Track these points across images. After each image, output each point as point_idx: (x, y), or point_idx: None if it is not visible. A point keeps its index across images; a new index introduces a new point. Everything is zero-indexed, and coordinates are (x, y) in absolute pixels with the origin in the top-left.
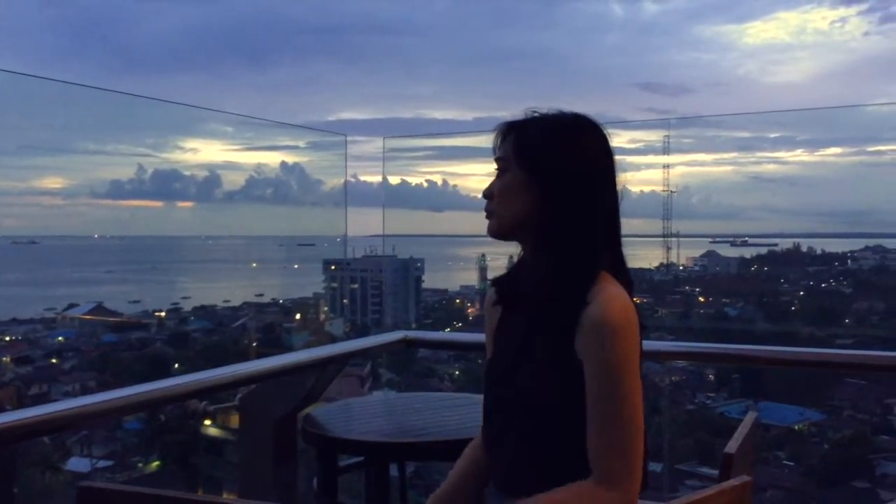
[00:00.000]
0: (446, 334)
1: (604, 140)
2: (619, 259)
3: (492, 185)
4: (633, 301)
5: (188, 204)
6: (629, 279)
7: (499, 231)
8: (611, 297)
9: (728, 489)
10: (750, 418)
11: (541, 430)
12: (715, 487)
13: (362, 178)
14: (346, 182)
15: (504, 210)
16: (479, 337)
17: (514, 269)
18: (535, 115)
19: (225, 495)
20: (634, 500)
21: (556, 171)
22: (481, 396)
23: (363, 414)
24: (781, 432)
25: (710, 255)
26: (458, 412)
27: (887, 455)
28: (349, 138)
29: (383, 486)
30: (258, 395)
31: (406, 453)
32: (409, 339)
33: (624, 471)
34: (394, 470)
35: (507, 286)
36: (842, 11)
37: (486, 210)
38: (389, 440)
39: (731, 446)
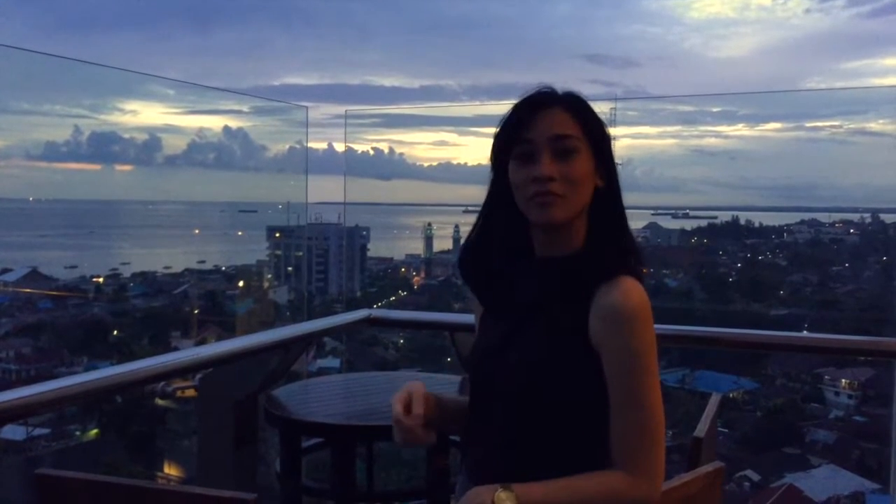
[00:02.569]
0: (410, 313)
1: None
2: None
3: (550, 165)
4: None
5: (127, 167)
6: (640, 268)
7: (569, 219)
8: (629, 285)
9: (702, 475)
10: (715, 400)
11: (541, 421)
12: (690, 474)
13: (306, 144)
14: (306, 150)
15: (577, 196)
16: (443, 317)
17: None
18: (556, 90)
19: (167, 465)
20: (660, 489)
21: (610, 153)
22: (443, 375)
23: (326, 395)
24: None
25: (652, 226)
26: None
27: (817, 422)
28: (295, 103)
29: (349, 466)
30: (218, 375)
31: (373, 436)
32: (374, 318)
33: (653, 462)
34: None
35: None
36: None
37: (553, 193)
38: (355, 423)
39: (700, 430)
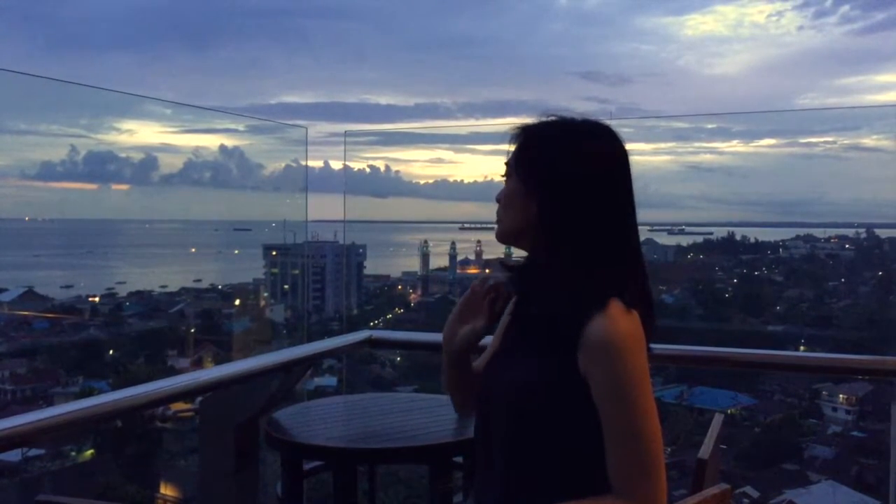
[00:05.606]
0: (411, 334)
1: (611, 147)
2: (638, 275)
3: (501, 191)
4: (638, 320)
5: (123, 187)
6: (649, 297)
7: (500, 237)
8: (615, 315)
9: (709, 497)
10: (718, 420)
11: (534, 444)
12: (695, 497)
13: (304, 163)
14: (306, 169)
15: (505, 217)
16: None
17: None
18: (545, 119)
19: (163, 486)
20: None
21: (553, 182)
22: (444, 397)
23: (327, 417)
24: (714, 416)
25: (647, 242)
26: (424, 414)
27: (815, 438)
28: (293, 123)
29: (351, 489)
30: (219, 398)
31: (374, 458)
32: (374, 339)
33: (651, 488)
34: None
35: (520, 284)
36: (778, 6)
37: (497, 213)
38: (357, 446)
39: (704, 451)
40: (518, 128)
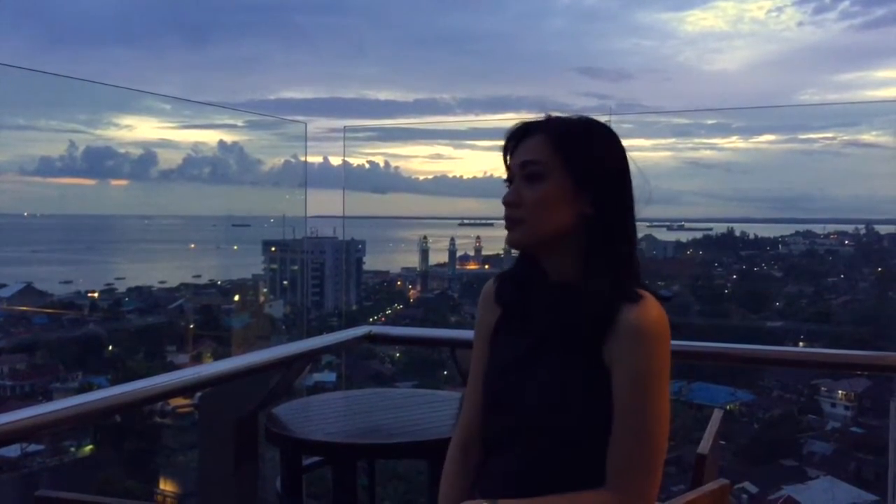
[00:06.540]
0: (410, 329)
1: (622, 144)
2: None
3: (515, 191)
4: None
5: (122, 182)
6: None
7: (530, 243)
8: (649, 304)
9: (707, 493)
10: (717, 416)
11: (558, 441)
12: (694, 492)
13: (303, 158)
14: (305, 165)
15: (540, 220)
16: (443, 333)
17: (525, 269)
18: (551, 116)
19: (163, 481)
20: None
21: (605, 178)
22: (443, 393)
23: (326, 413)
24: (713, 412)
25: (647, 238)
26: (423, 410)
27: (814, 434)
28: (293, 119)
29: (350, 485)
30: (219, 393)
31: (375, 454)
32: (374, 335)
33: (645, 485)
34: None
35: (518, 287)
36: (778, 1)
37: (511, 218)
38: (356, 441)
39: (703, 447)
40: (538, 123)
